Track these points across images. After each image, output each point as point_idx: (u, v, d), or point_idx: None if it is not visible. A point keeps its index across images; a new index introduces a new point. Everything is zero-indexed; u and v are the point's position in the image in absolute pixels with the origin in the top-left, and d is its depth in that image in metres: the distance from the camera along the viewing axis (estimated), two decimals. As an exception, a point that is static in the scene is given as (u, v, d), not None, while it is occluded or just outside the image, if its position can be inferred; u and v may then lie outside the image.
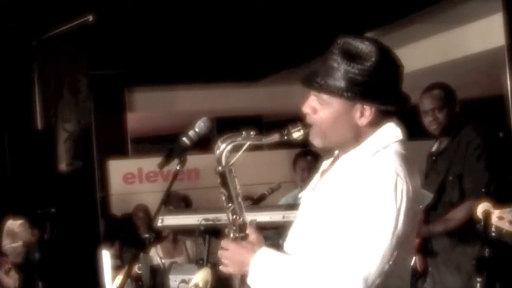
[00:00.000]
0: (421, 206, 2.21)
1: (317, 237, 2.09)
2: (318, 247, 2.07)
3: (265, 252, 2.12)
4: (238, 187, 2.22)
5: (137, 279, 6.16)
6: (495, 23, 6.40)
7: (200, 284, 5.75)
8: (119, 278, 5.58)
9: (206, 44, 7.96)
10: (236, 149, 2.19)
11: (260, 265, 2.09)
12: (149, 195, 8.48)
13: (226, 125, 12.64)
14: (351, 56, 2.04)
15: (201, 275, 5.90)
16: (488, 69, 8.21)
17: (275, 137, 2.17)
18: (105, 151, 8.52)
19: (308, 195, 2.25)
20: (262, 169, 8.68)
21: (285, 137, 2.15)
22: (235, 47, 8.23)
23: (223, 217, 5.16)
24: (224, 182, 2.20)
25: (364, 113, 2.09)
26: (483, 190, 3.92)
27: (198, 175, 9.44)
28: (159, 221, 5.20)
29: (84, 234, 6.34)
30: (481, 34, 7.53)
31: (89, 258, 6.08)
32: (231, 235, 2.20)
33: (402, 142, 2.13)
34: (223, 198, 2.22)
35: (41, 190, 6.80)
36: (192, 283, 5.83)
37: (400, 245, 1.99)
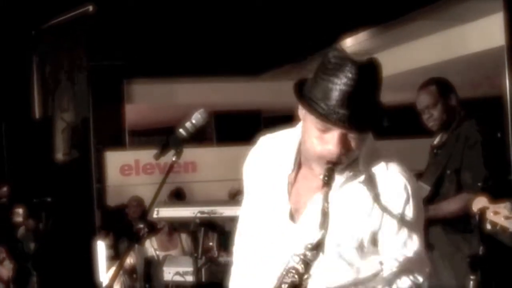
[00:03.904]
0: None
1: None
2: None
3: None
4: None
5: (131, 271, 6.18)
6: (495, 23, 6.40)
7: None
8: (113, 269, 5.59)
9: (206, 37, 7.95)
10: None
11: None
12: (146, 187, 8.47)
13: (224, 119, 12.64)
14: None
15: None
16: (487, 69, 8.22)
17: None
18: (102, 142, 8.52)
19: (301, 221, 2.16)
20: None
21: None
22: (235, 41, 8.22)
23: (218, 210, 5.19)
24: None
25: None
26: (479, 184, 3.93)
27: (195, 168, 9.44)
28: (155, 213, 5.22)
29: (80, 224, 6.34)
30: (481, 34, 7.53)
31: (84, 249, 6.09)
32: None
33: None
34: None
35: (38, 179, 6.80)
36: None
37: None
